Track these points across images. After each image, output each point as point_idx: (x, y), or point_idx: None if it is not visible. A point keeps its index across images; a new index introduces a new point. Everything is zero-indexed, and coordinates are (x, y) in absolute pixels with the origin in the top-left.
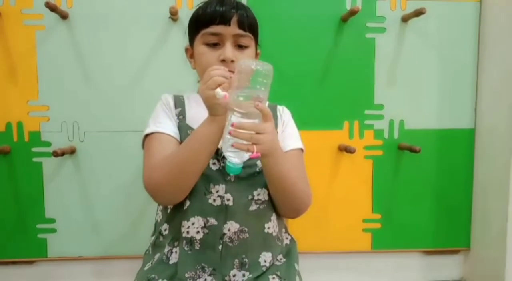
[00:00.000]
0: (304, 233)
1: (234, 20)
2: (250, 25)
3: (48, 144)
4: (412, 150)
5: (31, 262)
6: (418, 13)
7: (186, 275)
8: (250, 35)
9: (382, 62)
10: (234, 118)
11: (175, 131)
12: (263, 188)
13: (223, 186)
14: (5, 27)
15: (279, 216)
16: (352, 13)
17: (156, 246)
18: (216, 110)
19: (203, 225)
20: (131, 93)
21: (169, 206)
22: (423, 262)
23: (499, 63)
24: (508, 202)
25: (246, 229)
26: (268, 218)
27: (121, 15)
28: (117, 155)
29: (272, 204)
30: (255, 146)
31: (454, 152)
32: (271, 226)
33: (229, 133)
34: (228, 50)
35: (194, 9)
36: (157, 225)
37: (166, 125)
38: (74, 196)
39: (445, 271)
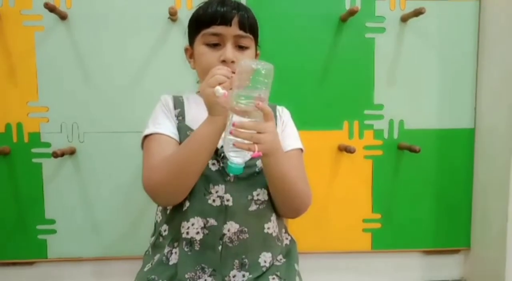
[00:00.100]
0: (304, 233)
1: (235, 20)
2: (250, 26)
3: (47, 145)
4: (412, 150)
5: (31, 263)
6: (418, 13)
7: (186, 276)
8: (251, 36)
9: (382, 62)
10: (235, 118)
11: (174, 132)
12: (263, 188)
13: (223, 186)
14: (4, 28)
15: (279, 216)
16: (352, 13)
17: (156, 247)
18: (215, 109)
19: (202, 225)
20: (130, 93)
21: (168, 207)
22: (423, 262)
23: (499, 63)
24: (508, 202)
25: (246, 229)
26: (268, 218)
27: (120, 16)
28: (116, 155)
29: (272, 205)
30: (256, 146)
31: (454, 152)
32: (271, 226)
33: (230, 133)
34: (229, 50)
35: (193, 10)
36: (156, 225)
37: (165, 126)
38: (74, 197)
39: (445, 271)
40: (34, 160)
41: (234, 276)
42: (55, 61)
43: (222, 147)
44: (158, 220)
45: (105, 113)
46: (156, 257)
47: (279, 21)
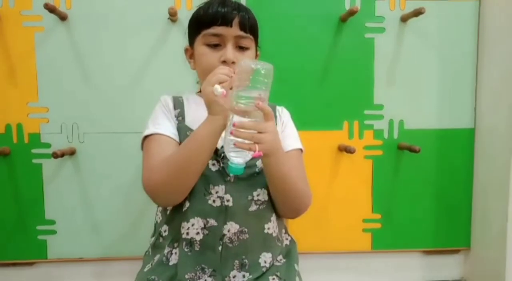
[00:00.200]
0: (304, 233)
1: (235, 21)
2: (251, 27)
3: (47, 145)
4: (412, 150)
5: (31, 264)
6: (417, 13)
7: (186, 276)
8: (251, 36)
9: (382, 62)
10: (236, 118)
11: (174, 132)
12: (263, 189)
13: (223, 187)
14: (4, 29)
15: (279, 216)
16: (351, 13)
17: (156, 247)
18: (214, 108)
19: (202, 226)
20: (130, 94)
21: (168, 208)
22: (423, 262)
23: (498, 63)
24: (508, 202)
25: (246, 229)
26: (268, 218)
27: (120, 16)
28: (117, 156)
29: (272, 205)
30: (257, 146)
31: (454, 152)
32: (271, 226)
33: (231, 133)
34: (229, 51)
35: (193, 10)
36: (156, 226)
37: (165, 127)
38: (74, 198)
39: (445, 271)
40: (34, 160)
41: (234, 277)
42: (55, 61)
43: (222, 147)
44: (158, 221)
45: (105, 114)
46: (156, 258)
47: (279, 21)
